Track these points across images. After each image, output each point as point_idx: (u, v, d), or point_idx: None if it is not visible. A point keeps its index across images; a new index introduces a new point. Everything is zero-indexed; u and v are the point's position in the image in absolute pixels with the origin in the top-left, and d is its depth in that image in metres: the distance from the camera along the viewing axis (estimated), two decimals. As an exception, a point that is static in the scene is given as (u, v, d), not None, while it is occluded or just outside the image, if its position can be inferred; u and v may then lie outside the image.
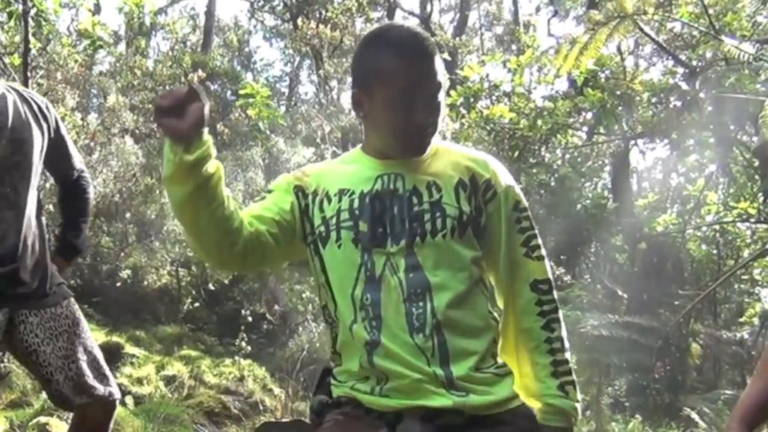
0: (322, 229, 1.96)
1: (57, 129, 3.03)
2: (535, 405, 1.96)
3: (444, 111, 2.02)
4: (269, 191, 2.07)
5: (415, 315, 1.86)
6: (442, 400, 1.83)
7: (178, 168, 1.78)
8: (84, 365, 2.90)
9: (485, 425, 1.85)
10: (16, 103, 2.90)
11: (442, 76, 1.97)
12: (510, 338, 2.02)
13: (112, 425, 3.03)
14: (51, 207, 7.27)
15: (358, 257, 1.92)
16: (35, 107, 2.96)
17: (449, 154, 2.06)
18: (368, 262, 1.91)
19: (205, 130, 1.79)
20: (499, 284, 2.04)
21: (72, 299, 3.01)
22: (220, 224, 1.88)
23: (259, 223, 1.95)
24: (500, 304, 2.06)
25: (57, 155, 3.05)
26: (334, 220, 1.95)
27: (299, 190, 2.02)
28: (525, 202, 2.06)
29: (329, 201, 1.98)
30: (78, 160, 3.20)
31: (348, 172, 2.04)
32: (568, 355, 2.00)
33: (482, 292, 1.97)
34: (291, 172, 2.12)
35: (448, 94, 11.48)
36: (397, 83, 1.90)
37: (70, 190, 3.20)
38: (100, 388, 2.91)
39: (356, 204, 1.95)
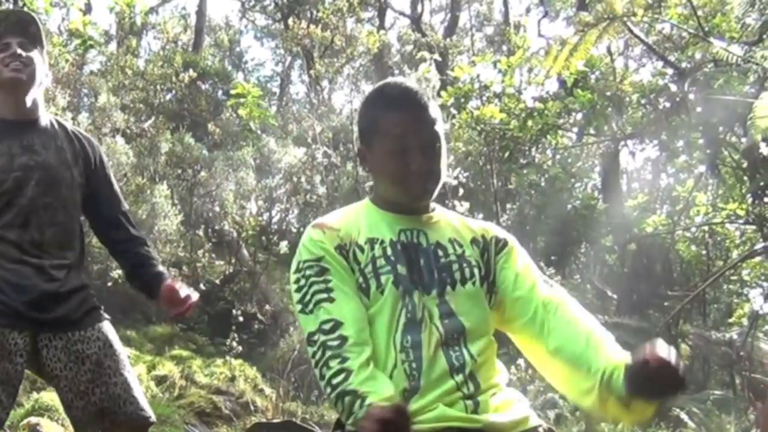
0: (361, 280, 1.99)
1: (100, 169, 2.96)
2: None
3: (445, 159, 2.09)
4: (320, 261, 1.99)
5: (453, 357, 1.93)
6: (470, 419, 1.88)
7: None
8: (112, 389, 2.79)
9: None
10: (56, 138, 2.85)
11: (440, 126, 2.06)
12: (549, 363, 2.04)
13: None
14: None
15: (400, 299, 1.96)
16: (77, 146, 2.91)
17: (461, 218, 2.19)
18: (409, 304, 1.96)
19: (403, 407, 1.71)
20: (518, 305, 2.06)
21: (107, 323, 2.92)
22: None
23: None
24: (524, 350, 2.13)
25: (96, 200, 2.97)
26: (370, 268, 1.99)
27: (341, 250, 2.01)
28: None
29: (362, 251, 2.02)
30: (123, 205, 3.08)
31: (369, 222, 2.08)
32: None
33: (493, 345, 2.07)
34: (317, 231, 2.04)
35: (438, 95, 11.51)
36: (392, 133, 2.01)
37: (134, 262, 3.06)
38: (127, 412, 2.81)
39: (389, 251, 2.01)
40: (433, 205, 2.14)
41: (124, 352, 2.95)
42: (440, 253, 2.03)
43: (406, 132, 1.99)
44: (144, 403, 2.89)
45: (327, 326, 1.90)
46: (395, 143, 1.99)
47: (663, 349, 1.69)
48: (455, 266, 2.02)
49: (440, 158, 2.04)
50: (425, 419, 1.86)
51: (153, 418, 2.91)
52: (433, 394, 1.89)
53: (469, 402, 1.90)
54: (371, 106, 2.10)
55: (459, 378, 1.91)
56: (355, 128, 12.40)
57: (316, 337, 1.90)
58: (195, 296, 2.95)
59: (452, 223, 2.12)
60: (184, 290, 2.90)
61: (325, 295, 1.94)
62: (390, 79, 2.19)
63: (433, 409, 1.87)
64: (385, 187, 2.09)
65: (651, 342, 1.70)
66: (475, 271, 2.03)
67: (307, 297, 1.96)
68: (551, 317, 1.99)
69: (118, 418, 2.80)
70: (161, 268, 3.07)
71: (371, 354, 1.89)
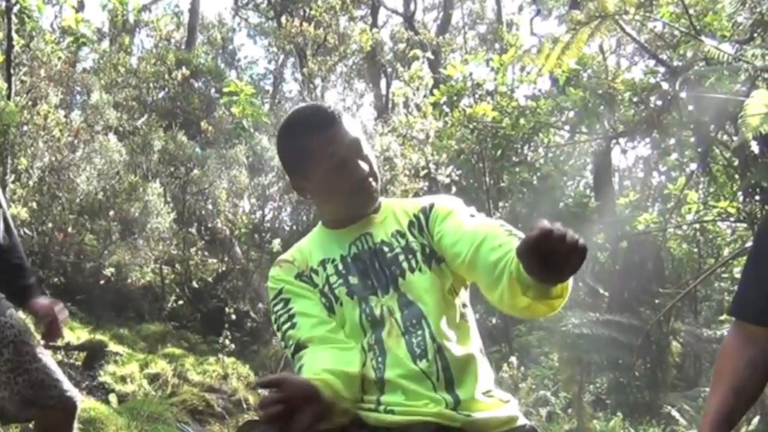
0: (323, 300, 2.10)
1: None
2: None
3: (374, 159, 2.16)
4: (281, 294, 2.13)
5: (415, 343, 1.98)
6: (448, 417, 1.90)
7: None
8: (34, 375, 2.81)
9: None
10: None
11: (356, 131, 2.12)
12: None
13: (75, 425, 2.97)
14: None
15: (357, 306, 2.05)
16: None
17: (401, 204, 2.24)
18: (366, 308, 2.05)
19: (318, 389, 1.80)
20: (456, 247, 2.01)
21: (13, 309, 2.91)
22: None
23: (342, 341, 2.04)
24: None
25: None
26: (326, 288, 2.10)
27: (300, 277, 2.14)
28: (473, 210, 2.14)
29: (316, 274, 2.13)
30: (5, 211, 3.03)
31: (320, 245, 2.19)
32: None
33: (467, 324, 2.10)
34: (275, 269, 2.19)
35: (431, 93, 11.52)
36: (326, 152, 2.06)
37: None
38: (54, 396, 2.83)
39: (341, 266, 2.11)
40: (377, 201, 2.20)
41: (34, 336, 2.96)
42: (386, 249, 2.10)
43: (337, 147, 2.06)
44: (68, 384, 2.92)
45: (291, 349, 2.04)
46: (332, 159, 2.05)
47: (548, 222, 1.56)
48: (401, 257, 2.08)
49: (372, 160, 2.13)
50: (399, 411, 1.91)
51: (79, 399, 2.94)
52: (398, 382, 1.95)
53: (446, 396, 1.92)
54: (292, 138, 2.14)
55: (423, 364, 1.95)
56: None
57: (294, 361, 2.03)
58: (63, 315, 2.97)
59: (395, 213, 2.18)
60: (60, 315, 2.93)
61: (288, 324, 2.07)
62: (295, 108, 2.24)
63: (409, 404, 1.91)
64: (335, 206, 2.15)
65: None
66: (419, 256, 2.07)
67: (280, 332, 2.10)
68: (478, 253, 1.91)
69: (46, 404, 2.81)
70: (33, 280, 3.05)
71: (331, 345, 2.00)
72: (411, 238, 2.10)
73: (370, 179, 2.10)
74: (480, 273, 1.91)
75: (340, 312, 2.06)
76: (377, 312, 2.03)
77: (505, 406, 2.01)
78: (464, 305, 2.11)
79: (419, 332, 1.98)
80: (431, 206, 2.14)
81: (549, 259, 1.53)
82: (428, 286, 2.04)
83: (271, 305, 2.16)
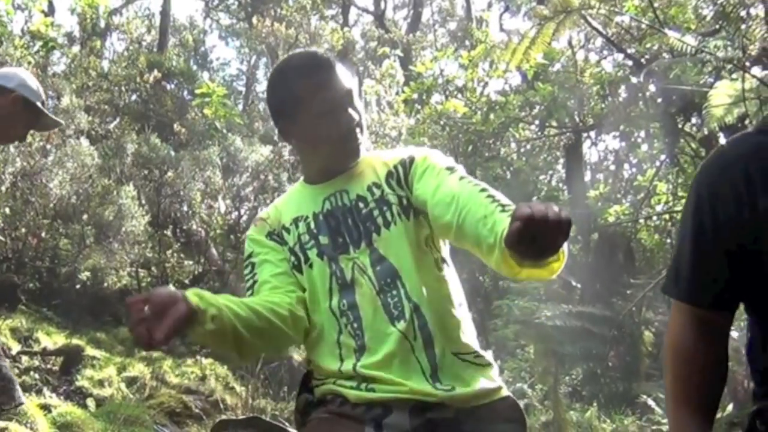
0: (293, 258, 2.08)
1: None
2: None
3: (363, 112, 2.13)
4: (250, 257, 2.13)
5: (392, 304, 1.97)
6: (427, 393, 1.91)
7: (208, 339, 1.82)
8: None
9: (473, 416, 1.94)
10: None
11: (349, 82, 2.09)
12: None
13: None
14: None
15: (327, 268, 2.03)
16: None
17: (379, 156, 2.18)
18: (337, 270, 2.02)
19: (187, 296, 1.75)
20: (437, 210, 1.97)
21: None
22: (269, 334, 1.93)
23: (287, 291, 2.03)
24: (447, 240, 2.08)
25: None
26: (297, 247, 2.08)
27: (271, 236, 2.14)
28: (446, 159, 2.11)
29: (288, 232, 2.12)
30: None
31: (296, 202, 2.17)
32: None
33: (445, 278, 2.06)
34: (252, 227, 2.19)
35: (403, 91, 11.57)
36: (317, 96, 2.02)
37: None
38: None
39: (312, 224, 2.09)
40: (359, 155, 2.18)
41: None
42: (361, 205, 2.07)
43: (328, 92, 2.03)
44: None
45: None
46: (322, 105, 2.02)
47: (528, 208, 1.53)
48: (376, 212, 2.05)
49: (360, 112, 2.10)
50: (379, 389, 1.92)
51: None
52: (379, 346, 1.94)
53: (423, 359, 1.93)
54: (284, 80, 2.11)
55: (401, 325, 1.94)
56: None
57: None
58: None
59: (373, 165, 2.14)
60: None
61: (250, 291, 2.07)
62: (292, 52, 2.23)
63: (389, 378, 1.92)
64: (318, 155, 2.12)
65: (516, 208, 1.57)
66: (395, 209, 2.04)
67: (245, 292, 2.09)
68: (464, 224, 1.87)
69: None
70: None
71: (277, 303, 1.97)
72: (387, 190, 2.07)
73: (357, 130, 2.07)
74: (469, 245, 1.88)
75: (308, 273, 2.04)
76: (348, 274, 2.00)
77: (487, 375, 2.02)
78: (443, 259, 2.08)
79: (394, 291, 1.97)
80: (411, 159, 2.09)
81: (536, 239, 1.52)
82: (403, 239, 2.01)
83: (243, 263, 2.16)
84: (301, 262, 2.06)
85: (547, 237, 1.53)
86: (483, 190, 1.90)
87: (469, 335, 2.05)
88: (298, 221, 2.11)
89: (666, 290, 1.83)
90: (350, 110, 2.05)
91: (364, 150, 2.15)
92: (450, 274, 2.10)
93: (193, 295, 1.75)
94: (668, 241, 12.79)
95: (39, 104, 3.29)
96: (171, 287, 1.76)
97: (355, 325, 1.97)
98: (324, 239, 2.05)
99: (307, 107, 2.04)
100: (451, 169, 2.03)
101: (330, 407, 1.98)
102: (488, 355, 2.10)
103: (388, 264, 1.99)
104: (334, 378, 1.99)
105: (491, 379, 2.02)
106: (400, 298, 1.96)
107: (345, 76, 2.09)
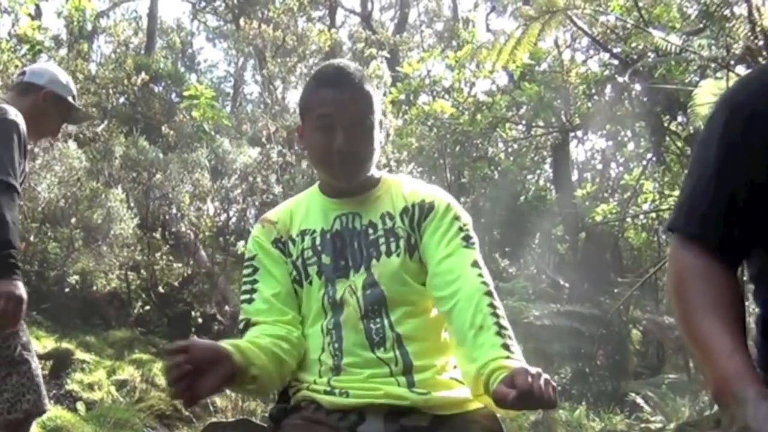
0: (294, 273, 2.07)
1: None
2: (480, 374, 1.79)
3: (377, 140, 2.08)
4: (253, 260, 2.12)
5: (374, 330, 1.96)
6: (402, 396, 1.88)
7: (247, 391, 1.87)
8: None
9: (448, 424, 1.90)
10: None
11: (367, 106, 2.04)
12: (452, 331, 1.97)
13: None
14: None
15: (323, 287, 2.02)
16: None
17: (400, 185, 2.16)
18: (330, 290, 2.01)
19: (228, 350, 1.74)
20: (436, 279, 1.99)
21: None
22: (283, 370, 1.97)
23: (286, 319, 2.03)
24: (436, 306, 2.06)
25: None
26: (300, 261, 2.07)
27: (277, 243, 2.12)
28: (466, 218, 2.10)
29: (293, 243, 2.10)
30: None
31: (308, 210, 2.15)
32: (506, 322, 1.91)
33: (434, 317, 2.03)
34: (259, 226, 2.17)
35: (389, 91, 11.58)
36: (318, 111, 2.02)
37: None
38: None
39: (318, 241, 2.07)
40: (379, 175, 2.15)
41: None
42: (371, 231, 2.06)
43: (333, 110, 2.00)
44: None
45: (242, 325, 2.05)
46: (321, 121, 2.01)
47: (525, 379, 1.60)
48: (381, 240, 2.04)
49: (366, 139, 2.04)
50: (353, 395, 1.90)
51: None
52: (355, 369, 1.93)
53: (401, 378, 1.91)
54: (308, 85, 2.12)
55: (381, 353, 1.94)
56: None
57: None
58: None
59: (392, 193, 2.12)
60: None
61: (247, 296, 2.07)
62: (332, 60, 2.23)
63: (359, 385, 1.91)
64: (316, 168, 2.14)
65: (518, 369, 1.66)
66: (401, 243, 2.02)
67: (240, 299, 2.10)
68: (452, 312, 1.92)
69: None
70: None
71: (270, 329, 1.98)
72: (399, 224, 2.05)
73: (350, 158, 2.01)
74: (451, 333, 1.94)
75: (307, 289, 2.04)
76: (338, 295, 1.99)
77: (461, 387, 1.96)
78: (435, 300, 2.03)
79: (377, 319, 1.96)
80: (431, 206, 2.07)
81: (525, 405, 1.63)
82: (400, 271, 2.00)
83: (244, 262, 2.15)
84: (302, 278, 2.06)
85: (533, 406, 1.63)
86: (488, 293, 1.91)
87: (452, 364, 2.04)
88: (305, 234, 2.10)
89: (673, 226, 1.57)
90: (348, 134, 2.00)
91: (377, 172, 2.15)
92: (441, 312, 2.05)
93: (235, 351, 1.75)
94: (655, 239, 12.84)
95: (70, 99, 3.31)
96: (210, 342, 1.73)
97: (336, 345, 1.97)
98: (326, 259, 2.04)
99: (311, 116, 2.05)
100: (467, 242, 2.03)
101: (303, 413, 1.96)
102: None
103: (379, 290, 1.98)
104: (308, 384, 1.99)
105: (468, 390, 1.97)
106: (383, 326, 1.96)
107: (365, 99, 2.04)
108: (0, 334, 2.93)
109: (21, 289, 2.85)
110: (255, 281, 2.08)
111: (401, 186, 2.15)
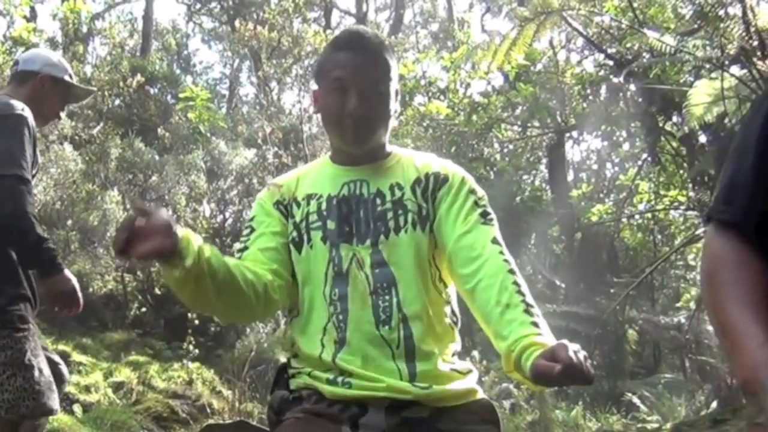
0: (295, 234, 2.05)
1: None
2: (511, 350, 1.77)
3: (391, 108, 2.08)
4: (252, 221, 2.11)
5: (381, 307, 1.94)
6: (403, 390, 1.89)
7: (174, 282, 1.78)
8: None
9: (448, 416, 1.92)
10: None
11: (384, 72, 2.04)
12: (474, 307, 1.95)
13: None
14: None
15: (327, 253, 2.00)
16: None
17: (412, 158, 2.15)
18: (336, 257, 1.99)
19: (178, 233, 1.70)
20: (458, 257, 1.97)
21: None
22: (233, 299, 1.90)
23: (271, 269, 2.00)
24: (454, 284, 2.06)
25: None
26: (303, 224, 2.05)
27: (278, 205, 2.11)
28: (481, 192, 2.09)
29: (298, 206, 2.08)
30: None
31: (315, 177, 2.14)
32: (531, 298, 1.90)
33: (441, 294, 2.03)
34: (264, 189, 2.18)
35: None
36: (332, 74, 2.02)
37: None
38: None
39: (324, 206, 2.05)
40: (390, 149, 2.15)
41: None
42: (378, 201, 2.03)
43: (347, 73, 1.99)
44: None
45: None
46: (334, 83, 2.00)
47: (567, 354, 1.59)
48: (390, 214, 2.01)
49: (380, 105, 2.03)
50: (355, 385, 1.91)
51: None
52: (359, 345, 1.93)
53: (402, 366, 1.92)
54: (325, 48, 2.14)
55: (385, 331, 1.93)
56: (305, 128, 12.29)
57: None
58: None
59: (404, 165, 2.10)
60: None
61: (239, 255, 2.06)
62: (353, 25, 2.23)
63: (366, 374, 1.91)
64: (329, 132, 2.13)
65: (559, 344, 1.65)
66: (410, 216, 2.00)
67: (235, 254, 2.08)
68: (475, 291, 1.91)
69: None
70: None
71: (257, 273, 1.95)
72: (409, 195, 2.03)
73: (362, 122, 2.00)
74: (475, 313, 1.92)
75: (308, 253, 2.02)
76: (344, 264, 1.97)
77: (464, 378, 2.00)
78: (443, 279, 2.04)
79: (387, 297, 1.95)
80: (445, 177, 2.06)
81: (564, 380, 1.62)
82: (409, 250, 1.98)
83: (246, 222, 2.15)
84: (303, 241, 2.04)
85: (575, 381, 1.62)
86: (511, 271, 1.90)
87: (452, 351, 2.05)
88: (311, 198, 2.08)
89: (713, 213, 1.51)
90: (361, 97, 1.98)
91: (388, 146, 2.14)
92: (448, 292, 2.07)
93: (185, 239, 1.71)
94: (651, 239, 12.86)
95: (66, 78, 3.33)
96: (169, 218, 1.68)
97: (341, 316, 1.95)
98: (331, 224, 2.02)
99: (326, 79, 2.04)
100: (485, 218, 2.02)
101: (305, 405, 1.96)
102: (468, 363, 2.10)
103: (388, 270, 1.97)
104: (310, 368, 1.98)
105: (470, 383, 2.02)
106: (390, 305, 1.95)
107: (382, 64, 2.04)
108: (15, 336, 2.99)
109: (71, 280, 3.09)
110: (248, 240, 2.08)
111: (413, 158, 2.14)
